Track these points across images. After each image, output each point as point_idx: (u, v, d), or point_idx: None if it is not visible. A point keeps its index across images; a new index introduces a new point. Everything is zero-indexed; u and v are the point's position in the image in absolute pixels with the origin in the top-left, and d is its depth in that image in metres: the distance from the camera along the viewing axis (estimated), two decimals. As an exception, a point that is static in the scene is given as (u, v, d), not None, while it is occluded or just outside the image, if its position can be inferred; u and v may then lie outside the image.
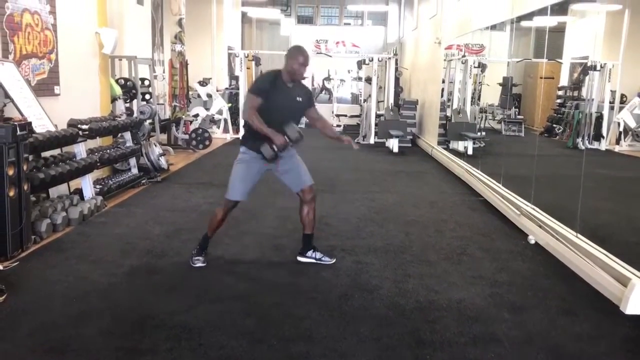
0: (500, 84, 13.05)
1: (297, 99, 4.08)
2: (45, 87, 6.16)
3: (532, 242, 5.00)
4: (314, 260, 4.27)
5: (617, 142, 11.22)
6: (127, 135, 7.21)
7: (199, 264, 4.11)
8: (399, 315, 3.41)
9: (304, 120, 4.41)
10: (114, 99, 7.96)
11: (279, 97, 3.97)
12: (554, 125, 12.69)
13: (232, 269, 4.16)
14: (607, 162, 10.19)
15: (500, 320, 3.38)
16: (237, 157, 4.14)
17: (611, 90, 11.04)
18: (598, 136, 11.21)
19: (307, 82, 16.13)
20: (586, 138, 11.12)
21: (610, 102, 11.12)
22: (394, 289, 3.82)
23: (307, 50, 4.19)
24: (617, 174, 9.02)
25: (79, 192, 5.77)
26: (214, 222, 4.20)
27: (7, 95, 5.11)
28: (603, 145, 11.13)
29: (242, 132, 12.41)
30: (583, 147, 10.83)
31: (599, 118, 11.16)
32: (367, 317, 3.38)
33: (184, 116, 11.11)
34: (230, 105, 13.42)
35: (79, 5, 6.87)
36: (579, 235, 4.54)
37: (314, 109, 4.24)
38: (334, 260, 4.31)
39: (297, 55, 3.99)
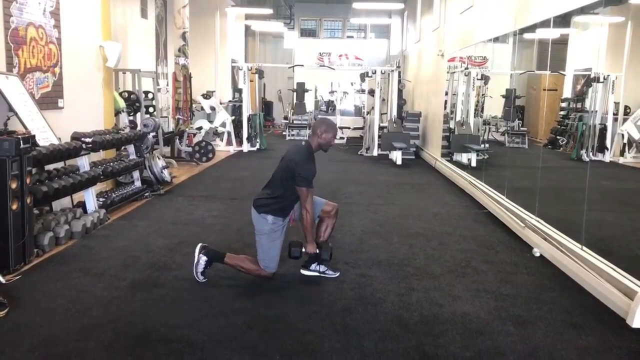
0: (503, 96, 13.04)
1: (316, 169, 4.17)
2: (49, 101, 6.18)
3: (537, 254, 4.97)
4: (317, 274, 4.25)
5: (622, 153, 11.17)
6: (131, 148, 7.23)
7: (202, 279, 4.08)
8: (403, 329, 3.38)
9: None
10: (117, 112, 7.99)
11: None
12: (558, 137, 12.66)
13: (234, 282, 4.14)
14: (612, 173, 10.14)
15: (506, 334, 3.34)
16: (267, 228, 4.02)
17: (615, 102, 11.01)
18: (602, 148, 11.16)
19: (310, 94, 16.14)
20: (590, 150, 11.08)
21: (614, 114, 11.09)
22: (398, 303, 3.80)
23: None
24: (621, 186, 8.97)
25: (82, 205, 5.77)
26: (237, 266, 4.13)
27: (11, 109, 5.13)
28: (607, 157, 11.08)
29: (246, 147, 12.47)
30: (587, 159, 10.79)
31: (603, 130, 11.12)
32: (370, 331, 3.35)
33: (187, 129, 11.14)
34: (233, 117, 13.45)
35: (83, 19, 6.91)
36: (584, 248, 4.51)
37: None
38: (337, 274, 4.29)
39: (330, 130, 4.12)
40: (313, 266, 4.26)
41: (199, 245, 4.18)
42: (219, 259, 4.14)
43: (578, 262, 4.36)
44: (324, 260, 4.22)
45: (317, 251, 4.15)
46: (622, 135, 11.14)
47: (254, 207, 4.09)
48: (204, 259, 4.09)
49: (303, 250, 4.13)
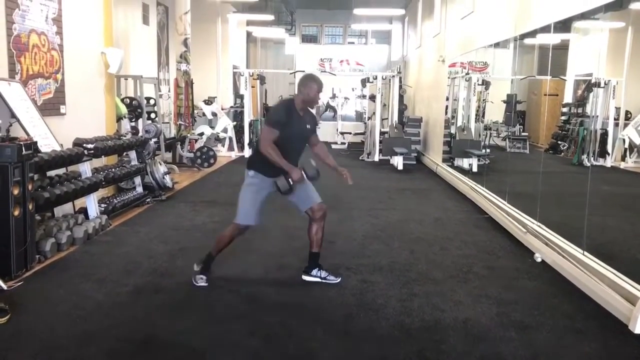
0: (504, 101, 13.06)
1: (307, 126, 4.15)
2: (51, 107, 6.20)
3: (539, 260, 4.97)
4: (319, 279, 4.24)
5: (623, 158, 11.16)
6: (132, 154, 7.24)
7: (202, 283, 4.10)
8: (405, 335, 3.37)
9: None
10: (119, 118, 8.01)
11: (293, 127, 4.03)
12: (559, 142, 12.65)
13: (236, 287, 4.14)
14: (613, 178, 10.13)
15: (507, 340, 3.34)
16: (246, 181, 4.12)
17: (615, 107, 11.02)
18: (603, 153, 11.16)
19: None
20: (591, 155, 11.07)
21: (615, 119, 11.09)
22: (400, 308, 3.79)
23: (318, 75, 4.27)
24: (623, 191, 8.96)
25: (84, 211, 5.78)
26: (220, 243, 4.19)
27: (13, 115, 5.15)
28: (608, 162, 11.07)
29: (247, 152, 12.49)
30: (588, 164, 10.78)
31: (604, 135, 11.12)
32: (372, 336, 3.35)
33: (189, 135, 11.16)
34: (235, 123, 13.48)
35: (85, 26, 6.94)
36: (586, 253, 4.50)
37: (316, 134, 4.27)
38: (339, 279, 4.28)
39: (312, 84, 4.07)
40: (314, 272, 4.26)
41: (195, 276, 4.16)
42: (210, 258, 4.19)
43: (580, 267, 4.36)
44: (312, 179, 4.11)
45: (303, 172, 4.00)
46: (623, 140, 11.14)
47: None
48: (198, 266, 4.15)
49: (290, 182, 3.98)
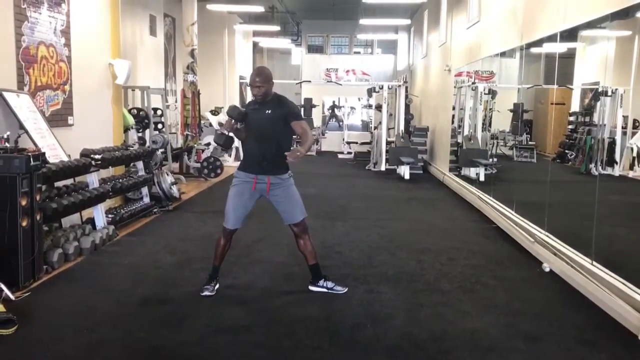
0: (511, 110, 13.03)
1: (267, 111, 4.07)
2: (59, 118, 6.24)
3: (547, 270, 4.94)
4: (325, 290, 4.23)
5: (631, 167, 11.09)
6: (140, 164, 7.27)
7: (207, 293, 4.08)
8: (412, 346, 3.35)
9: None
10: (126, 129, 8.05)
11: (251, 118, 4.11)
12: (566, 151, 12.58)
13: (243, 298, 4.13)
14: (621, 187, 10.06)
15: (516, 351, 3.31)
16: (233, 182, 4.21)
17: (623, 116, 10.96)
18: (611, 162, 11.09)
19: (318, 110, 16.18)
20: (599, 164, 11.01)
21: (622, 128, 11.03)
22: (407, 319, 3.77)
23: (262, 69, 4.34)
24: (631, 200, 8.89)
25: (91, 221, 5.79)
26: (217, 250, 4.20)
27: (21, 126, 5.18)
28: (616, 171, 10.99)
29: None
30: (596, 173, 10.72)
31: (612, 143, 11.05)
32: (379, 347, 3.33)
33: (195, 145, 11.19)
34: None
35: (93, 37, 7.00)
36: (595, 263, 4.47)
37: (297, 123, 4.11)
38: (345, 290, 4.27)
39: (251, 77, 4.15)
40: (321, 282, 4.25)
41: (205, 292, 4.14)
42: (215, 270, 4.18)
43: (588, 277, 4.32)
44: (236, 120, 4.11)
45: (231, 121, 4.12)
46: (632, 149, 11.06)
47: None
48: (207, 288, 4.12)
49: (226, 132, 4.17)
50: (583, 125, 12.37)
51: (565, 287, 4.52)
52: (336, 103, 16.30)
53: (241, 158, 4.28)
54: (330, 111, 16.18)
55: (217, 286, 4.16)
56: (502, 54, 8.89)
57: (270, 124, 4.06)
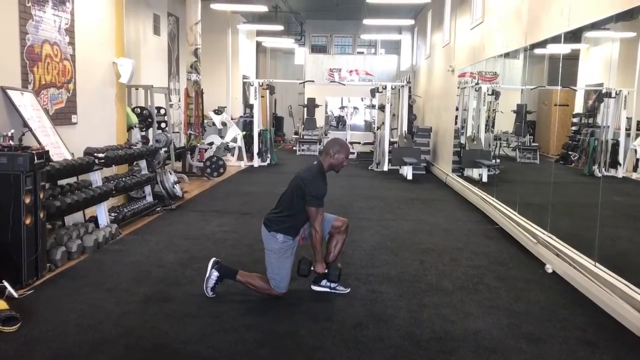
0: (514, 111, 13.01)
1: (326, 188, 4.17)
2: (62, 116, 6.25)
3: (550, 271, 4.93)
4: (328, 289, 4.24)
5: (634, 169, 11.06)
6: (143, 163, 7.28)
7: (211, 295, 4.07)
8: (415, 346, 3.35)
9: None
10: (130, 128, 8.06)
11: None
12: (570, 153, 12.56)
13: (245, 297, 4.13)
14: (625, 189, 10.04)
15: (518, 352, 3.31)
16: (277, 246, 4.02)
17: (627, 117, 10.94)
18: (614, 163, 11.06)
19: (321, 110, 16.22)
20: (602, 165, 10.99)
21: (626, 129, 11.01)
22: (409, 319, 3.77)
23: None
24: (635, 202, 8.88)
25: (94, 219, 5.80)
26: (248, 284, 4.10)
27: (25, 125, 5.20)
28: (620, 173, 10.97)
29: (256, 162, 12.51)
30: (599, 175, 10.70)
31: (615, 145, 11.03)
32: (382, 347, 3.33)
33: (198, 144, 11.21)
34: (244, 133, 13.53)
35: (97, 36, 7.01)
36: (598, 264, 4.46)
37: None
38: (348, 290, 4.27)
39: (343, 151, 4.13)
40: (324, 282, 4.25)
41: (212, 259, 4.16)
42: (230, 275, 4.12)
43: (591, 278, 4.32)
44: (332, 281, 4.22)
45: (326, 271, 4.16)
46: (635, 151, 11.04)
47: (264, 226, 4.09)
48: (215, 274, 4.08)
49: (312, 268, 4.15)
50: (586, 126, 12.35)
51: (568, 289, 4.51)
52: (341, 115, 16.32)
53: (283, 220, 4.06)
54: (336, 118, 16.19)
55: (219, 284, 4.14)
56: (506, 55, 8.87)
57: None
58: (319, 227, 3.99)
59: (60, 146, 5.62)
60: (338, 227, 4.27)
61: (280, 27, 16.84)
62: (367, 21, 15.51)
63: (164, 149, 8.73)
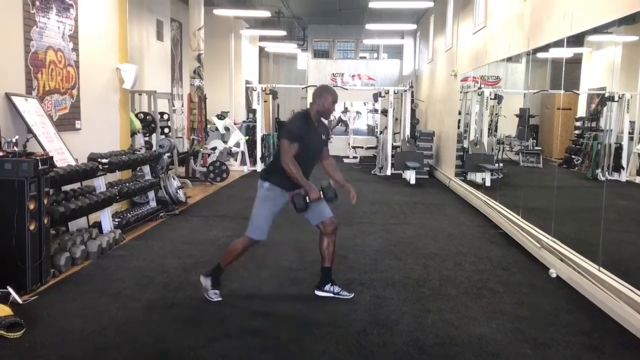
0: (517, 115, 13.01)
1: (322, 137, 4.19)
2: (66, 122, 6.27)
3: (554, 275, 4.92)
4: (331, 295, 4.23)
5: (638, 173, 11.04)
6: (146, 168, 7.29)
7: (216, 298, 4.09)
8: (419, 351, 3.35)
9: None
10: (133, 133, 8.08)
11: (310, 139, 4.05)
12: (573, 156, 12.56)
13: (249, 303, 4.14)
14: (628, 193, 10.02)
15: (523, 357, 3.30)
16: (261, 193, 4.10)
17: (630, 121, 10.93)
18: (618, 167, 11.05)
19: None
20: (606, 169, 10.97)
21: (629, 133, 10.99)
22: (413, 324, 3.77)
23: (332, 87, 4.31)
24: (638, 206, 8.86)
25: (98, 225, 5.81)
26: (229, 255, 4.18)
27: (30, 131, 5.22)
28: (623, 177, 10.96)
29: (259, 166, 12.52)
30: (603, 179, 10.68)
31: (618, 149, 11.02)
32: (386, 353, 3.32)
33: (202, 149, 11.22)
34: (247, 138, 13.54)
35: (100, 42, 7.03)
36: (602, 269, 4.45)
37: (327, 147, 4.31)
38: (352, 295, 4.27)
39: (327, 95, 4.09)
40: (327, 287, 4.25)
41: (200, 276, 4.21)
42: (218, 271, 4.15)
43: (595, 283, 4.31)
44: (329, 200, 4.11)
45: (321, 194, 4.03)
46: (638, 155, 11.02)
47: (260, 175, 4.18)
48: (208, 281, 4.12)
49: (307, 200, 3.99)
50: (589, 130, 12.34)
51: (572, 293, 4.50)
52: (342, 115, 16.31)
53: (271, 170, 4.15)
54: (337, 118, 16.17)
55: (221, 290, 4.15)
56: (509, 59, 8.88)
57: (321, 146, 4.20)
58: (288, 160, 3.89)
59: (64, 152, 5.64)
60: (327, 228, 4.19)
61: (282, 32, 16.89)
62: (369, 26, 15.54)
63: (167, 154, 8.74)
